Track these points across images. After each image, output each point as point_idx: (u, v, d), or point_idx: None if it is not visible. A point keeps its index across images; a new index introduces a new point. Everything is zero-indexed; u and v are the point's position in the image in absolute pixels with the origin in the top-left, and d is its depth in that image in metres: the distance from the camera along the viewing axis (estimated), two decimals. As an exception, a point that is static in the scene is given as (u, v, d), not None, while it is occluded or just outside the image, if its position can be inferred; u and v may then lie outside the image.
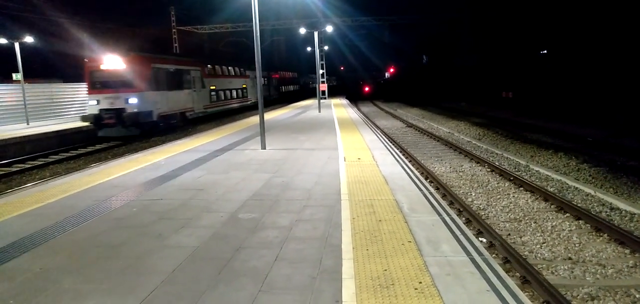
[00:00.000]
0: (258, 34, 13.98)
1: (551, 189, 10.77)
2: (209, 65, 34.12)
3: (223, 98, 35.79)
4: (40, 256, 5.72)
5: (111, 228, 6.79)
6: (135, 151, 16.88)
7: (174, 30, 51.95)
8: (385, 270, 4.91)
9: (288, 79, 66.56)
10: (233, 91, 38.58)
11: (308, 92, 76.05)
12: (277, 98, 56.85)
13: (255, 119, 26.01)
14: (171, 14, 51.57)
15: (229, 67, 38.81)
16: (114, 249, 5.88)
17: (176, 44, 51.79)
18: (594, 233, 7.88)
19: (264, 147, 14.47)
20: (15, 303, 4.49)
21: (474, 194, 10.83)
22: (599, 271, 6.47)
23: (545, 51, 47.94)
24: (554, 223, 8.47)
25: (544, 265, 6.76)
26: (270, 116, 30.50)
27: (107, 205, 8.10)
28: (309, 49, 66.98)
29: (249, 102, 43.21)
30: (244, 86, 41.92)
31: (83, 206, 8.08)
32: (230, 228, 6.61)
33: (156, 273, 5.08)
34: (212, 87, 33.51)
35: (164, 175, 10.71)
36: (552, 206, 9.45)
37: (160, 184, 9.70)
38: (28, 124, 26.20)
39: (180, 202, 8.13)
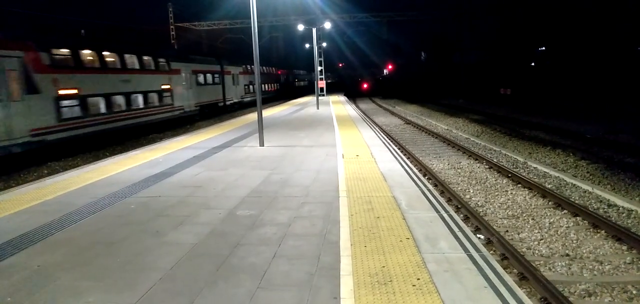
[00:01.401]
0: (256, 29, 13.95)
1: (549, 186, 10.79)
2: (56, 50, 18.86)
3: (104, 111, 21.06)
4: (38, 253, 5.71)
5: (109, 225, 6.78)
6: (133, 148, 16.85)
7: (171, 26, 51.85)
8: (384, 267, 4.92)
9: (262, 75, 51.04)
10: (138, 96, 23.93)
11: (292, 91, 67.10)
12: (238, 102, 41.77)
13: (253, 116, 26.01)
14: (169, 10, 51.48)
15: (125, 55, 23.80)
16: (112, 246, 5.87)
17: (174, 41, 51.70)
18: (591, 230, 7.89)
19: (262, 144, 14.46)
20: (13, 300, 4.48)
21: (472, 191, 10.84)
22: (596, 267, 6.49)
23: (544, 48, 47.98)
24: (551, 220, 8.49)
25: (541, 262, 6.77)
26: (269, 113, 30.47)
27: (105, 202, 8.09)
28: (307, 45, 66.70)
29: (177, 113, 28.57)
30: (166, 86, 27.16)
31: (81, 203, 8.07)
32: (229, 224, 6.62)
33: (154, 269, 5.08)
34: (67, 93, 18.64)
35: (162, 172, 10.69)
36: (550, 203, 9.47)
37: (159, 181, 9.69)
38: None
39: (178, 199, 8.13)
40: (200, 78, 32.96)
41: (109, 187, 9.29)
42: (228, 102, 38.75)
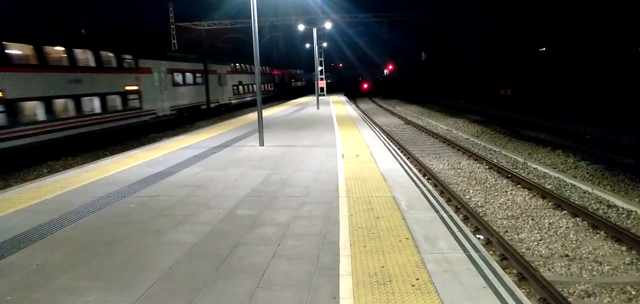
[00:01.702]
0: (256, 29, 13.96)
1: (549, 187, 10.79)
2: None
3: (43, 118, 17.69)
4: (37, 252, 5.71)
5: (109, 224, 6.78)
6: (133, 147, 16.84)
7: (172, 26, 51.83)
8: (383, 267, 4.92)
9: (248, 76, 44.53)
10: (93, 99, 20.79)
11: (289, 92, 63.64)
12: (225, 105, 37.28)
13: (253, 116, 26.00)
14: (170, 10, 51.46)
15: (74, 50, 20.38)
16: (112, 245, 5.87)
17: (175, 41, 51.70)
18: (591, 230, 7.89)
19: (262, 143, 14.46)
20: (13, 299, 4.49)
21: (471, 191, 10.84)
22: (595, 268, 6.49)
23: (544, 49, 48.00)
24: (551, 220, 8.49)
25: (540, 262, 6.78)
26: (269, 112, 30.45)
27: (105, 201, 8.09)
28: (307, 45, 66.56)
29: (146, 118, 25.14)
30: (133, 87, 23.87)
31: (81, 202, 8.07)
32: (228, 224, 6.62)
33: (154, 269, 5.08)
34: None
35: (162, 171, 10.69)
36: (550, 204, 9.47)
37: (158, 181, 9.69)
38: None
39: (178, 199, 8.13)
40: (178, 78, 29.68)
41: (109, 186, 9.30)
42: (213, 105, 35.00)
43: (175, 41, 51.74)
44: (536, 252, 7.18)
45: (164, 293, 4.50)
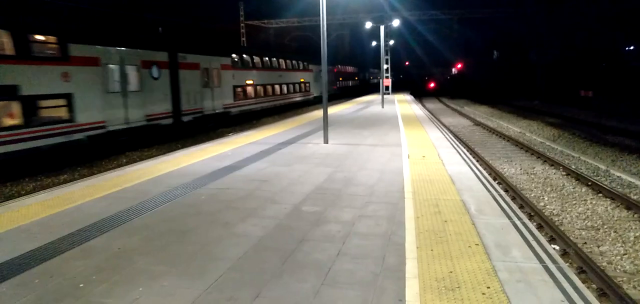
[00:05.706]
0: (325, 27, 14.04)
1: (635, 197, 9.94)
2: None
3: None
4: (117, 237, 6.11)
5: (182, 213, 7.12)
6: (203, 141, 17.59)
7: (242, 24, 53.48)
8: (451, 272, 4.76)
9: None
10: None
11: (349, 91, 59.04)
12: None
13: (318, 113, 26.20)
14: (240, 9, 53.14)
15: None
16: (185, 234, 6.16)
17: (244, 39, 53.32)
18: (685, 247, 7.18)
19: (326, 141, 14.54)
20: (98, 279, 4.83)
21: (546, 198, 10.24)
22: (690, 289, 5.89)
23: (632, 47, 44.31)
24: (637, 234, 7.82)
25: (624, 278, 6.27)
26: (332, 110, 30.56)
27: (178, 192, 8.50)
28: (374, 43, 65.94)
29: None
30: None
31: (156, 191, 8.54)
32: (294, 219, 6.71)
33: (223, 259, 5.26)
34: None
35: (230, 166, 11.06)
36: (636, 215, 8.73)
37: (227, 174, 10.03)
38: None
39: (245, 192, 8.37)
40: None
41: (181, 177, 9.76)
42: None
43: (244, 40, 53.38)
44: (619, 267, 6.65)
45: (233, 283, 4.65)
